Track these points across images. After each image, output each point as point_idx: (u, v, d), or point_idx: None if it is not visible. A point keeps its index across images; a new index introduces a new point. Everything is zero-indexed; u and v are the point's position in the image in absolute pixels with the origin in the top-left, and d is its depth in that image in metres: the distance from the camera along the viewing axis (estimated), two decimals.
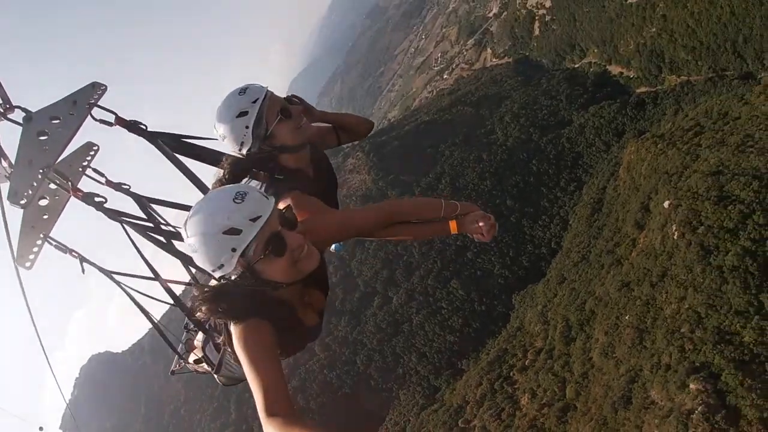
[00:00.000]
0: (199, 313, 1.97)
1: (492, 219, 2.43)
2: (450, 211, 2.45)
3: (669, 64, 68.17)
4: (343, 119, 3.11)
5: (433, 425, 51.26)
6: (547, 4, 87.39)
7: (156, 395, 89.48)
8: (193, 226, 1.79)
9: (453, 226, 2.48)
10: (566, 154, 67.49)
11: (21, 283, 2.56)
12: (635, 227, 44.22)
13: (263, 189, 2.54)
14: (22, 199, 2.42)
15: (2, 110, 2.60)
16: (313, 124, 2.81)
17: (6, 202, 2.38)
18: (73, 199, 2.83)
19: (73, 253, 2.86)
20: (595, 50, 78.35)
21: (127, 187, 2.95)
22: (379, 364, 62.54)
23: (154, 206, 2.98)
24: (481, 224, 2.40)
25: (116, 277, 2.93)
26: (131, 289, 2.90)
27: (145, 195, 2.99)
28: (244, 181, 2.56)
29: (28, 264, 2.61)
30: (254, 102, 2.47)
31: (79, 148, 3.16)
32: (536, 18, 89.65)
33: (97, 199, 2.67)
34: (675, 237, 35.49)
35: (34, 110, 2.71)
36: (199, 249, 1.79)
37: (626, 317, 35.06)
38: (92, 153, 3.16)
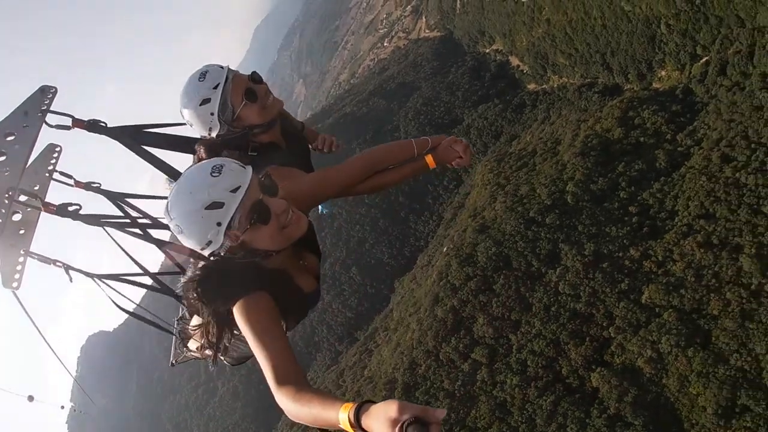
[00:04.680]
0: (192, 300, 2.17)
1: (463, 141, 2.79)
2: (422, 147, 2.80)
3: (552, 66, 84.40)
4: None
5: (328, 382, 78.89)
6: None
7: (145, 364, 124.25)
8: (175, 206, 2.01)
9: (429, 160, 2.82)
10: None
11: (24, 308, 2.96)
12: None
13: None
14: None
15: None
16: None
17: None
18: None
19: (57, 263, 3.10)
20: (500, 40, 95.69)
21: (98, 185, 3.30)
22: (300, 334, 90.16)
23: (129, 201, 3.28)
24: (456, 148, 2.76)
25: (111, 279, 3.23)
26: (117, 291, 3.22)
27: (117, 191, 3.32)
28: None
29: (15, 284, 2.80)
30: (215, 88, 2.73)
31: (42, 152, 3.43)
32: None
33: (71, 209, 2.86)
34: (432, 281, 59.18)
35: None
36: (184, 229, 2.01)
37: (399, 331, 60.06)
38: (56, 155, 3.42)
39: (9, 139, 2.90)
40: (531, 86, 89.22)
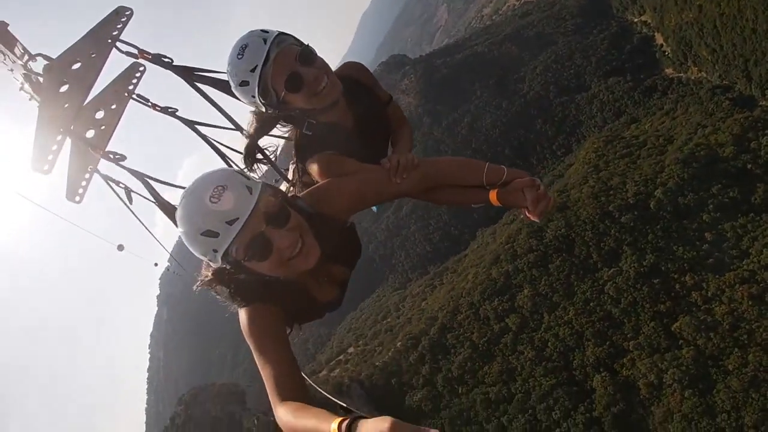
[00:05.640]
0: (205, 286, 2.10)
1: (541, 187, 2.29)
2: (494, 177, 2.40)
3: (693, 56, 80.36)
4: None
5: (391, 303, 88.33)
6: None
7: None
8: (178, 219, 1.97)
9: (492, 196, 2.41)
10: (570, 119, 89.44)
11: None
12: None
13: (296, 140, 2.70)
14: (45, 165, 2.65)
15: (23, 62, 2.92)
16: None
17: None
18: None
19: (120, 185, 3.38)
20: (650, 12, 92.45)
21: (174, 110, 3.42)
22: (381, 253, 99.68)
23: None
24: (528, 196, 2.27)
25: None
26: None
27: (191, 119, 3.41)
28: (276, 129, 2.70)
29: (77, 198, 2.90)
30: (253, 70, 2.43)
31: (125, 70, 3.51)
32: None
33: (116, 157, 3.13)
34: (501, 241, 64.64)
35: (56, 55, 2.96)
36: (186, 243, 1.96)
37: (461, 276, 66.95)
38: (138, 75, 3.49)
39: (75, 67, 2.87)
40: (668, 70, 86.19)
